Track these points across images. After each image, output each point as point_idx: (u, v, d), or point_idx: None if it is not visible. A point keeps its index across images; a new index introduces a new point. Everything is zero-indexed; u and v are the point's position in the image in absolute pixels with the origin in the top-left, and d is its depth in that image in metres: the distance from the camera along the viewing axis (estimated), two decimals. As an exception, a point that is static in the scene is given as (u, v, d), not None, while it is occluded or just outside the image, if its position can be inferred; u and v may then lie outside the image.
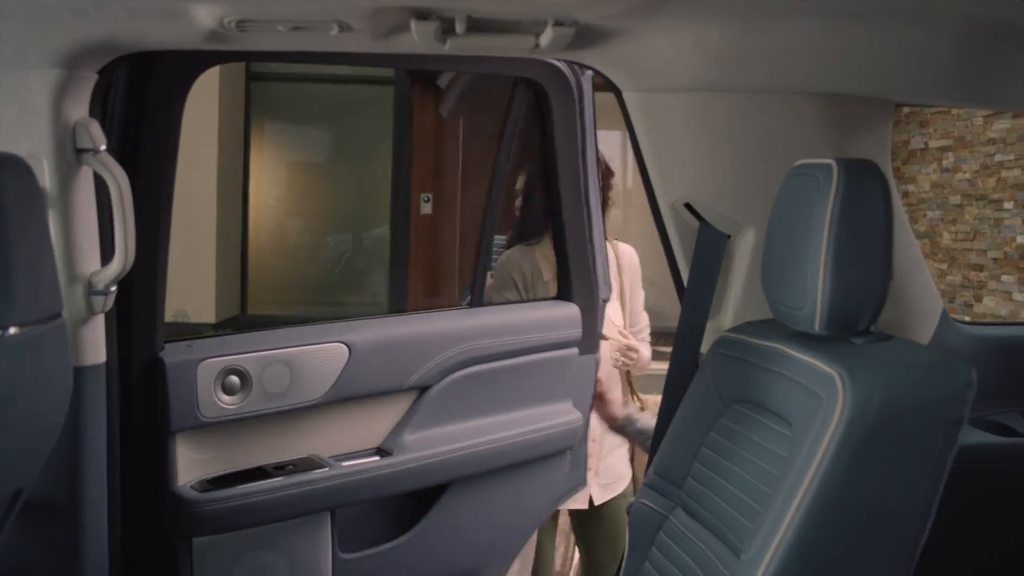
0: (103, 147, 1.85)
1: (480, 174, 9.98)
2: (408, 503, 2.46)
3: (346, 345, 2.29)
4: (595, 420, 2.86)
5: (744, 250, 2.11)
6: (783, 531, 1.51)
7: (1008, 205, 7.61)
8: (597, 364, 2.77)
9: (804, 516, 1.51)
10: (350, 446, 2.37)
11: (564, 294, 2.74)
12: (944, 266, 8.48)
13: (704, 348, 2.19)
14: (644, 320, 3.18)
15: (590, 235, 2.72)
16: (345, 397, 2.31)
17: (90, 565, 1.95)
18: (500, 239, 3.24)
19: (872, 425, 1.52)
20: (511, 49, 1.86)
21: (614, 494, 3.09)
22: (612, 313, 3.03)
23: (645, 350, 3.11)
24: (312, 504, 2.24)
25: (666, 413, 2.16)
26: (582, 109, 2.65)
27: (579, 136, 2.67)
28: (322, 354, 2.26)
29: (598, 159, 2.77)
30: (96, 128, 1.85)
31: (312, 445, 2.31)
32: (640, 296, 3.15)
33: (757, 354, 1.83)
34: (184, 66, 2.11)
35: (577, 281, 2.73)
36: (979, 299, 7.94)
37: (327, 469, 2.25)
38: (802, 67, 1.89)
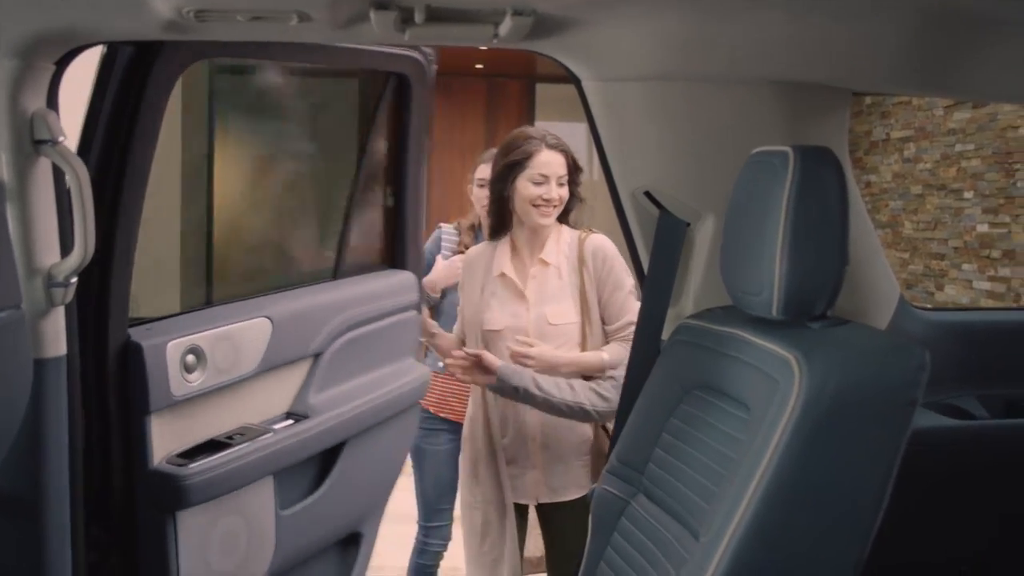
0: (61, 138, 1.85)
1: (447, 165, 9.98)
2: (316, 460, 2.59)
3: (268, 319, 2.43)
4: (535, 417, 2.94)
5: (704, 238, 2.13)
6: (741, 514, 1.53)
7: (968, 195, 7.68)
8: (419, 323, 3.05)
9: (761, 498, 1.53)
10: (276, 412, 2.51)
11: (400, 263, 3.02)
12: (906, 255, 8.55)
13: (665, 335, 2.20)
14: (627, 318, 2.96)
15: (421, 212, 3.06)
16: (270, 367, 2.44)
17: (53, 560, 1.95)
18: (448, 227, 3.73)
19: (828, 408, 1.54)
20: (470, 38, 1.86)
21: (563, 498, 2.99)
22: (552, 312, 2.95)
23: (619, 350, 2.93)
24: (264, 468, 2.36)
25: (627, 400, 2.18)
26: (432, 96, 3.05)
27: (426, 122, 3.05)
28: (252, 329, 2.39)
29: (569, 154, 3.04)
30: (54, 119, 1.84)
31: (250, 414, 2.42)
32: (621, 293, 2.99)
33: (716, 340, 1.85)
34: (175, 59, 2.13)
35: (411, 252, 3.03)
36: (940, 288, 8.02)
37: (271, 435, 2.38)
38: (760, 56, 1.91)
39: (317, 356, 2.60)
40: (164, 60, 2.12)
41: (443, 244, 3.67)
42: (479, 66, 11.20)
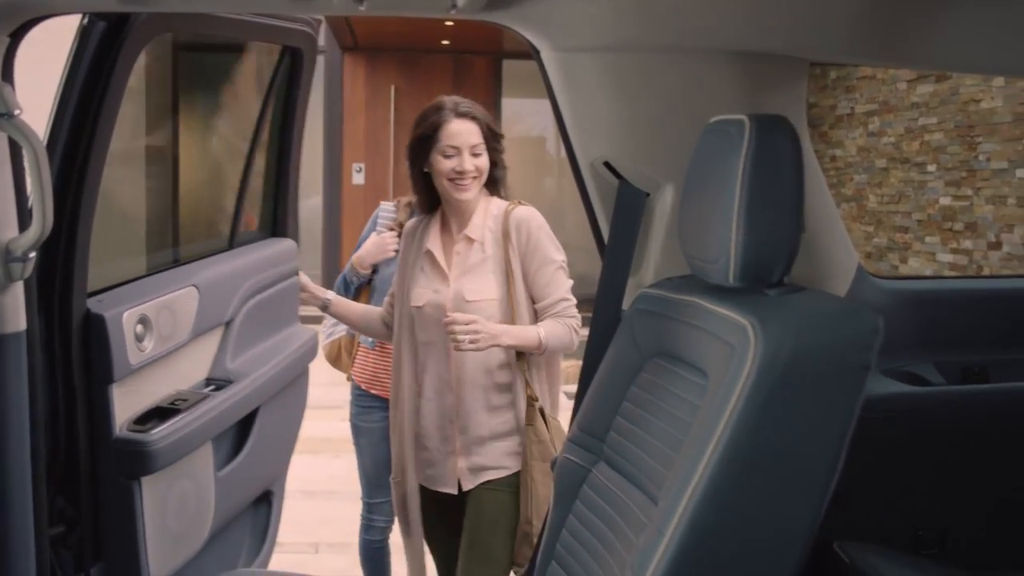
0: (17, 111, 1.83)
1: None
2: (237, 424, 2.66)
3: (196, 287, 2.50)
4: (454, 400, 2.81)
5: (663, 207, 2.15)
6: (698, 477, 1.55)
7: (931, 168, 7.75)
8: (296, 288, 3.11)
9: (718, 462, 1.54)
10: (199, 378, 2.59)
11: (281, 231, 3.14)
12: (871, 228, 8.62)
13: (626, 305, 2.22)
14: (557, 294, 2.81)
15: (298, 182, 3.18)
16: (198, 334, 2.51)
17: (16, 536, 1.95)
18: (388, 205, 3.61)
19: (783, 372, 1.56)
20: (427, 9, 1.87)
21: (486, 479, 2.82)
22: (470, 289, 2.80)
23: (555, 327, 2.78)
24: (207, 433, 2.44)
25: (588, 370, 2.20)
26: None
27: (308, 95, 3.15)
28: (185, 297, 2.46)
29: (483, 122, 2.87)
30: (9, 92, 1.83)
31: (182, 380, 2.49)
32: (549, 268, 2.82)
33: (675, 308, 1.86)
34: (141, 34, 2.15)
35: (291, 221, 3.16)
36: (904, 260, 8.10)
37: (211, 400, 2.46)
38: (714, 25, 1.92)
39: (228, 323, 2.67)
40: (133, 34, 2.11)
41: (380, 221, 3.58)
42: (445, 42, 11.17)
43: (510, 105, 11.83)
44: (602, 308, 2.23)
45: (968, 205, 7.32)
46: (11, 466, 1.93)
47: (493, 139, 2.87)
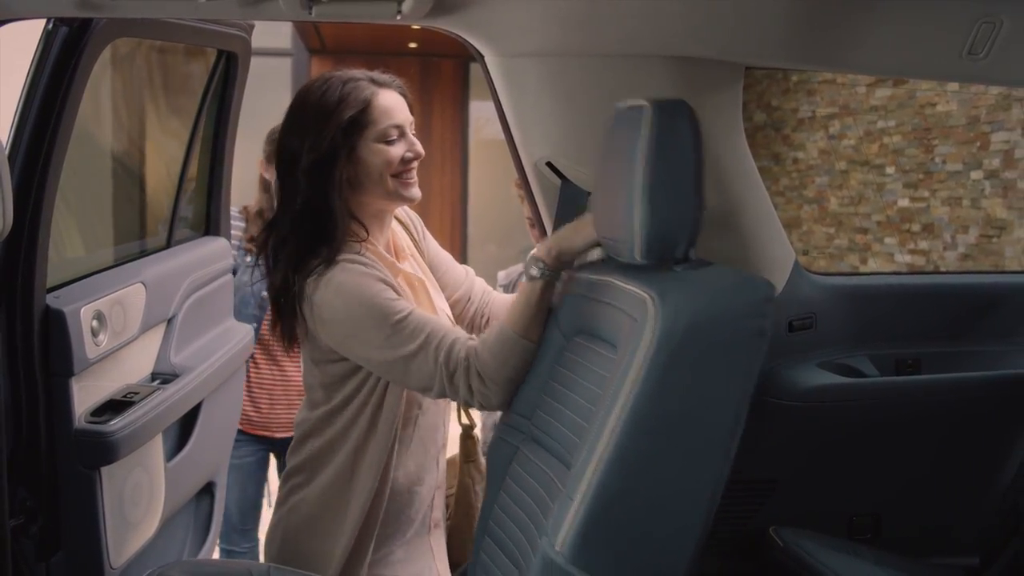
0: None
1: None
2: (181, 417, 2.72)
3: (143, 284, 2.56)
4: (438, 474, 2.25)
5: None
6: (604, 443, 1.62)
7: (890, 170, 7.87)
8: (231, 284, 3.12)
9: (623, 429, 1.61)
10: (145, 372, 2.64)
11: (215, 230, 3.18)
12: (832, 230, 8.73)
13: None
14: (471, 275, 2.39)
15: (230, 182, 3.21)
16: (145, 329, 2.57)
17: None
18: (233, 210, 3.34)
19: (681, 341, 1.63)
20: (374, 15, 1.93)
21: None
22: (443, 308, 2.24)
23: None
24: (158, 425, 2.49)
25: None
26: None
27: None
28: (134, 293, 2.51)
29: (407, 93, 2.23)
30: None
31: (131, 375, 2.56)
32: (445, 253, 2.37)
33: (591, 288, 1.93)
34: (101, 38, 2.23)
35: (224, 220, 3.20)
36: (864, 261, 8.21)
37: (161, 393, 2.52)
38: (653, 31, 2.00)
39: (171, 319, 2.73)
40: (93, 39, 2.18)
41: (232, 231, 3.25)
42: (412, 45, 11.22)
43: (478, 108, 11.87)
44: None
45: (925, 207, 7.44)
46: None
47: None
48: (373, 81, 2.10)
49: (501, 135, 2.25)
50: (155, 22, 2.47)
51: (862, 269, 8.12)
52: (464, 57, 11.58)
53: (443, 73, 11.77)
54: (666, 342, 1.63)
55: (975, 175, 6.89)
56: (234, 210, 3.29)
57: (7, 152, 1.99)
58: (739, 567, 2.41)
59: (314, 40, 11.02)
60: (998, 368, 2.54)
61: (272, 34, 10.81)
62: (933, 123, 7.30)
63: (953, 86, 7.05)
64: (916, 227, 7.55)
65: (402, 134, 2.08)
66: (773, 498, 2.37)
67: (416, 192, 2.10)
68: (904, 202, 7.72)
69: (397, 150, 2.06)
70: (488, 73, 2.18)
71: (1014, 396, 2.44)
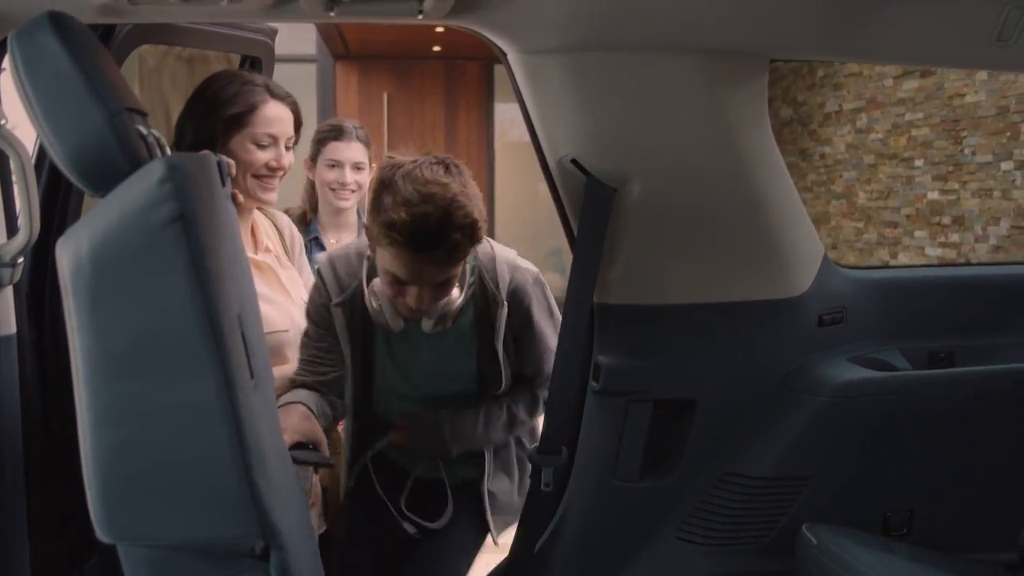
0: (3, 121, 1.90)
1: (405, 148, 10.01)
2: None
3: None
4: None
5: (630, 202, 2.21)
6: (79, 402, 1.52)
7: (919, 163, 7.81)
8: None
9: (86, 380, 1.50)
10: None
11: None
12: (861, 224, 8.68)
13: (597, 299, 2.29)
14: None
15: None
16: None
17: (8, 537, 2.01)
18: None
19: (91, 273, 1.49)
20: (395, 14, 1.92)
21: None
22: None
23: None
24: None
25: (560, 365, 2.25)
26: None
27: None
28: None
29: (297, 109, 2.49)
30: None
31: None
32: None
33: None
34: (125, 44, 2.22)
35: None
36: (894, 255, 8.16)
37: None
38: (674, 24, 1.98)
39: None
40: (118, 46, 2.19)
41: None
42: (437, 48, 11.24)
43: (503, 110, 11.90)
44: (573, 302, 2.29)
45: (955, 199, 7.38)
46: (4, 466, 1.99)
47: (298, 132, 2.47)
48: (268, 90, 2.36)
49: (527, 137, 2.28)
50: (178, 27, 2.47)
51: (892, 263, 8.07)
52: (488, 59, 11.60)
53: (468, 76, 11.79)
54: (80, 281, 1.48)
55: (1005, 166, 6.83)
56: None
57: (33, 161, 2.00)
58: (772, 566, 2.39)
59: (338, 46, 11.06)
60: (1034, 360, 2.51)
61: (298, 40, 10.88)
62: (961, 114, 7.24)
63: (982, 75, 6.99)
64: (946, 220, 7.50)
65: (274, 144, 2.34)
66: (806, 495, 2.35)
67: (270, 197, 2.39)
68: (934, 195, 7.66)
69: (264, 156, 2.33)
70: (511, 71, 2.17)
71: (1049, 388, 2.41)
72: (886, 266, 7.61)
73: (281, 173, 2.37)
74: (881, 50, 2.20)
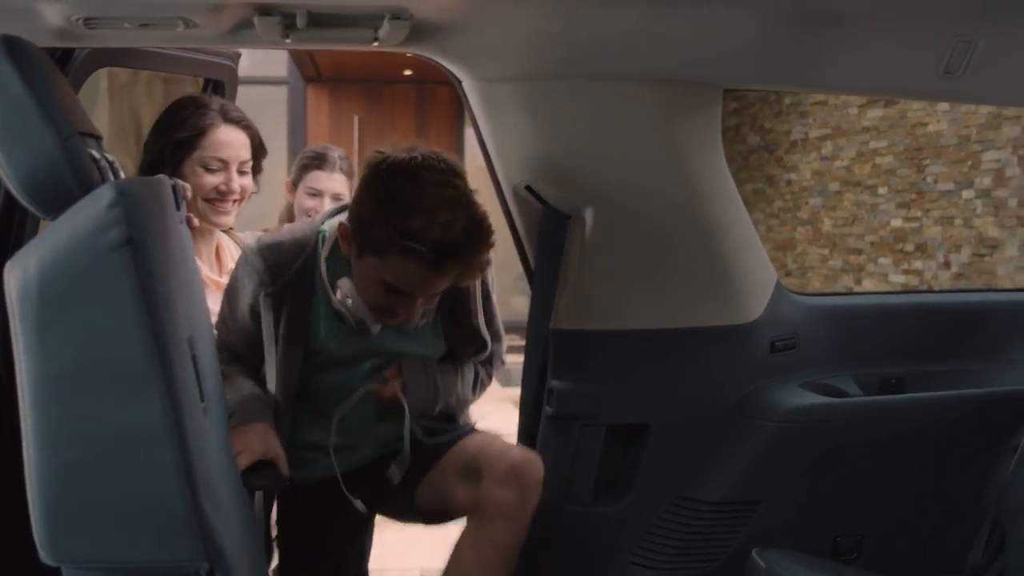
0: None
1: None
2: None
3: None
4: None
5: (584, 229, 2.23)
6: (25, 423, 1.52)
7: (882, 190, 7.90)
8: None
9: (32, 403, 1.50)
10: None
11: None
12: (826, 251, 8.76)
13: (554, 324, 2.30)
14: None
15: None
16: None
17: None
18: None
19: (38, 296, 1.49)
20: (351, 42, 1.94)
21: None
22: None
23: None
24: None
25: (526, 391, 2.27)
26: None
27: None
28: None
29: (254, 132, 2.46)
30: None
31: None
32: None
33: None
34: (83, 67, 2.20)
35: None
36: (859, 282, 8.23)
37: None
38: (627, 54, 2.01)
39: None
40: (76, 70, 2.19)
41: None
42: (408, 72, 11.27)
43: (474, 135, 11.90)
44: (533, 329, 2.31)
45: (918, 226, 7.46)
46: None
47: (260, 156, 2.45)
48: (222, 114, 2.35)
49: (493, 162, 2.28)
50: (139, 51, 2.48)
51: (857, 290, 8.14)
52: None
53: (438, 100, 11.82)
54: (27, 303, 1.48)
55: (966, 194, 6.91)
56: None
57: None
58: None
59: (309, 69, 11.08)
60: (983, 386, 2.54)
61: (269, 62, 10.88)
62: (924, 143, 7.33)
63: (944, 105, 7.08)
64: (910, 247, 7.58)
65: (224, 168, 2.33)
66: (756, 519, 2.37)
67: (223, 221, 2.37)
68: (897, 222, 7.74)
69: (212, 179, 2.32)
70: (466, 98, 2.19)
71: (998, 415, 2.44)
72: (838, 293, 7.69)
73: (234, 197, 2.35)
74: (833, 81, 2.24)
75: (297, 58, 10.61)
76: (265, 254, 2.14)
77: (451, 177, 2.01)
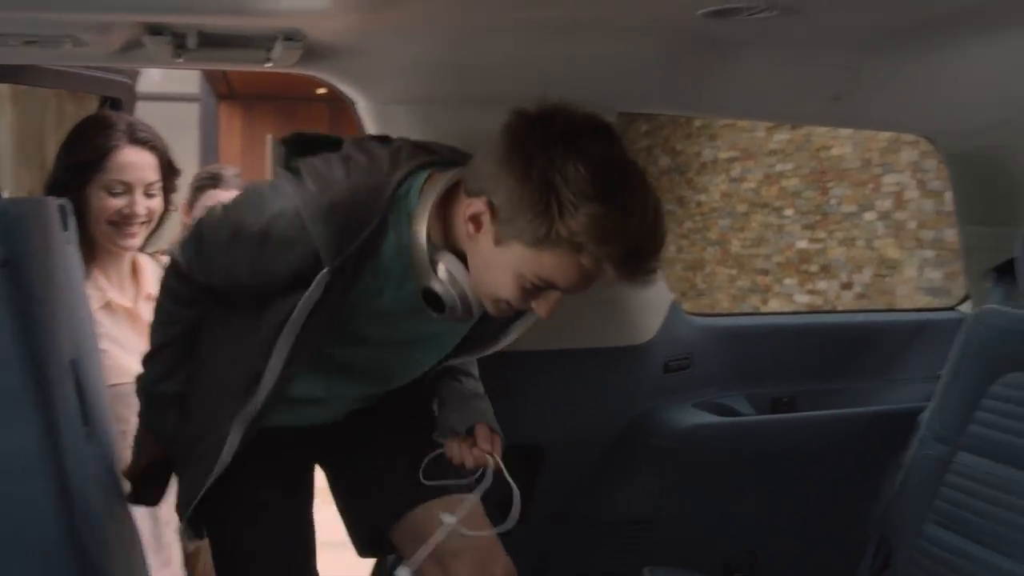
0: None
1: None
2: None
3: None
4: None
5: None
6: None
7: (788, 212, 8.05)
8: None
9: None
10: None
11: None
12: (734, 272, 8.89)
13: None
14: None
15: None
16: None
17: None
18: None
19: None
20: (244, 62, 1.94)
21: None
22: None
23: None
24: None
25: None
26: None
27: None
28: None
29: (162, 152, 2.32)
30: None
31: None
32: None
33: None
34: None
35: None
36: (765, 302, 8.37)
37: None
38: (519, 78, 2.02)
39: None
40: None
41: None
42: (321, 91, 11.22)
43: (388, 153, 11.89)
44: None
45: (822, 248, 7.62)
46: None
47: (171, 176, 2.32)
48: (129, 135, 2.21)
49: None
50: (34, 68, 2.45)
51: (763, 309, 8.28)
52: (373, 102, 11.60)
53: (351, 118, 11.75)
54: None
55: (868, 216, 7.08)
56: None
57: None
58: None
59: (222, 86, 10.98)
60: (871, 404, 2.61)
61: (181, 80, 10.76)
62: (828, 166, 7.50)
63: (847, 130, 7.25)
64: (814, 268, 7.73)
65: (128, 191, 2.20)
66: (648, 538, 2.40)
67: (129, 244, 2.23)
68: (803, 243, 7.90)
69: (115, 203, 2.19)
70: (359, 119, 2.20)
71: (886, 432, 2.50)
72: (732, 313, 7.81)
73: (139, 220, 2.22)
74: (725, 105, 2.29)
75: (210, 75, 10.51)
76: (329, 218, 1.70)
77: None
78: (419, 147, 1.83)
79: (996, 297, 2.37)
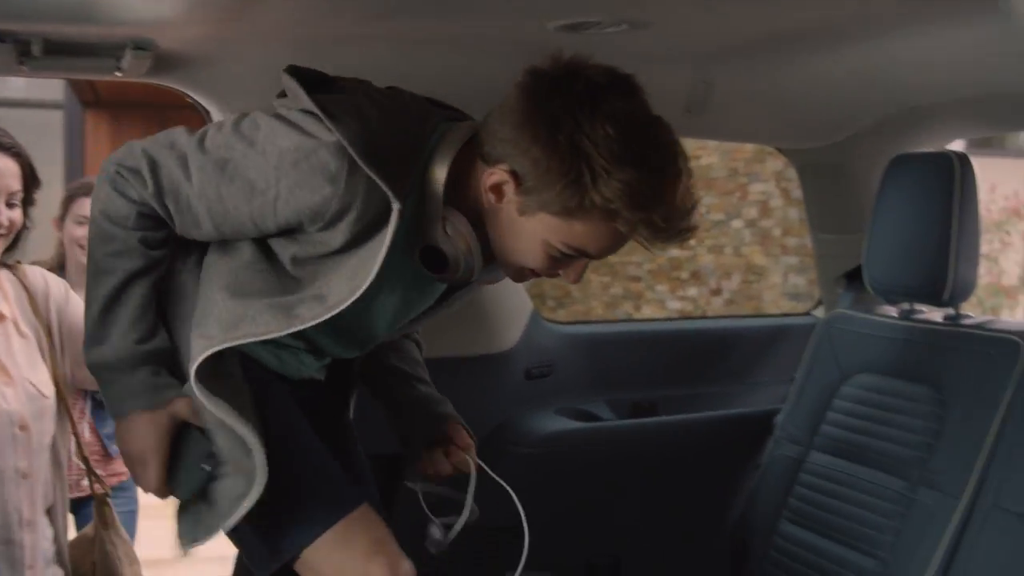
0: None
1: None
2: None
3: None
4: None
5: None
6: None
7: (659, 220, 8.20)
8: None
9: None
10: None
11: None
12: (607, 279, 9.01)
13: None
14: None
15: None
16: None
17: None
18: None
19: None
20: (92, 71, 1.91)
21: None
22: (41, 380, 2.01)
23: None
24: None
25: None
26: None
27: None
28: None
29: (26, 161, 2.11)
30: None
31: None
32: None
33: None
34: None
35: None
36: (638, 308, 8.50)
37: None
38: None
39: None
40: None
41: None
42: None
43: (262, 161, 11.74)
44: None
45: (692, 255, 7.78)
46: None
47: (33, 187, 2.12)
48: None
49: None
50: None
51: (636, 315, 8.40)
52: (245, 110, 11.43)
53: (224, 126, 11.61)
54: None
55: (736, 224, 7.25)
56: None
57: None
58: None
59: (88, 93, 10.69)
60: (731, 408, 2.67)
61: (44, 86, 10.46)
62: (697, 175, 7.58)
63: (713, 142, 7.42)
64: (685, 275, 7.88)
65: None
66: (510, 544, 2.41)
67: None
68: (673, 251, 8.05)
69: None
70: (212, 129, 2.18)
71: (743, 434, 2.56)
72: (593, 321, 7.93)
73: (2, 231, 2.00)
74: None
75: (74, 81, 10.24)
76: (386, 158, 1.53)
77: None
78: (427, 98, 1.72)
79: (846, 302, 2.46)
